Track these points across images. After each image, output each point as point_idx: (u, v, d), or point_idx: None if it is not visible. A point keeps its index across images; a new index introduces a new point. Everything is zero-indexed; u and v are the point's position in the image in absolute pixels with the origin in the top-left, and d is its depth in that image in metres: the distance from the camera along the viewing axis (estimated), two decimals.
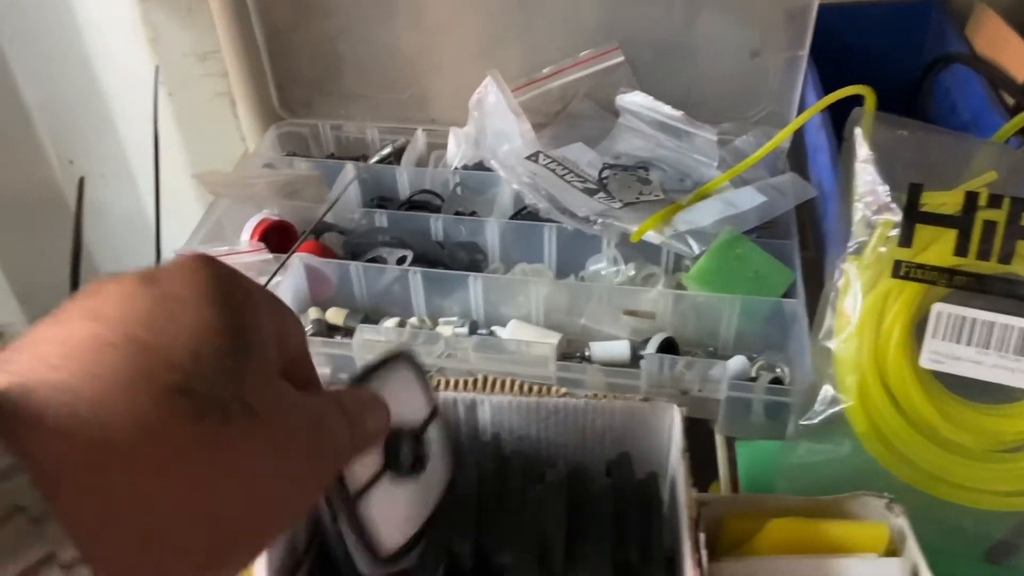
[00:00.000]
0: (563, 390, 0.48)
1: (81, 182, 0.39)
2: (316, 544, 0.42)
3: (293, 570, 0.41)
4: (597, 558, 0.42)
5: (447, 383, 0.49)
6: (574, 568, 0.43)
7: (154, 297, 0.22)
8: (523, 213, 0.77)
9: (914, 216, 0.52)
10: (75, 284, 0.38)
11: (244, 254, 0.69)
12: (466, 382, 0.49)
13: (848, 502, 0.45)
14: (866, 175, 0.55)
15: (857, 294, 0.53)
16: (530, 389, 0.48)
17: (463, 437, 0.51)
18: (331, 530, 0.33)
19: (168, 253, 0.72)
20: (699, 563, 0.41)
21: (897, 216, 0.53)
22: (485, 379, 0.49)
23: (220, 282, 0.24)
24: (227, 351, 0.22)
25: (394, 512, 0.33)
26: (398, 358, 0.35)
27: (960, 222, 0.52)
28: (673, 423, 0.48)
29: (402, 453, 0.34)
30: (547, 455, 0.50)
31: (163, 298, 0.22)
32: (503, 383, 0.49)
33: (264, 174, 0.75)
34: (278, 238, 0.74)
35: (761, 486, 0.58)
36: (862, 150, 0.55)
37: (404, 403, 0.34)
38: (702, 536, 0.42)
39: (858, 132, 0.55)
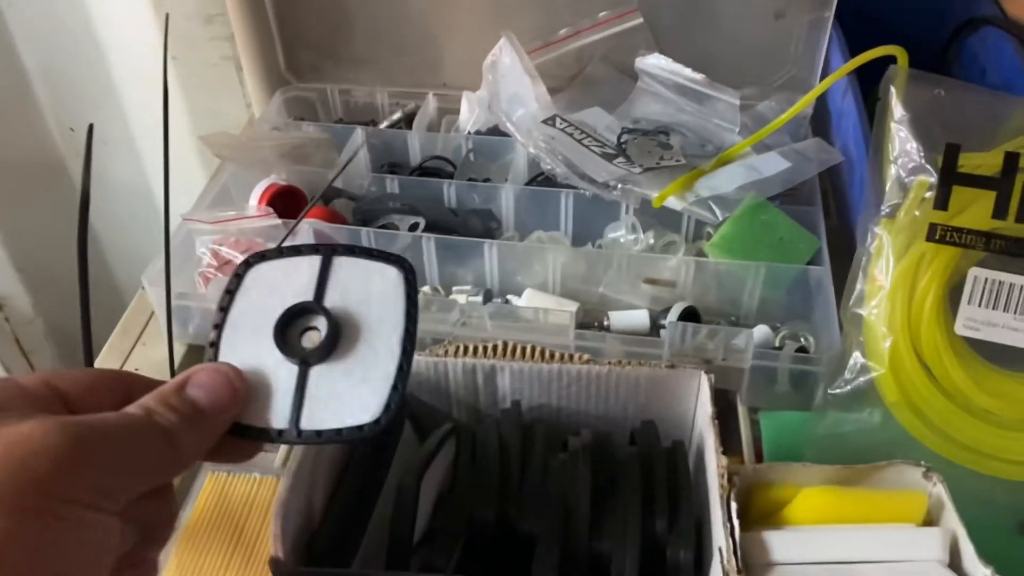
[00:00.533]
0: (586, 357, 0.46)
1: (90, 129, 0.36)
2: (337, 506, 0.40)
3: (311, 535, 0.40)
4: (624, 527, 0.41)
5: (465, 349, 0.47)
6: (600, 537, 0.41)
7: None
8: (538, 179, 0.75)
9: (951, 178, 0.50)
10: (83, 246, 0.36)
11: (252, 219, 0.67)
12: (485, 348, 0.47)
13: (883, 471, 0.44)
14: (900, 136, 0.53)
15: (890, 258, 0.52)
16: (551, 356, 0.47)
17: (482, 404, 0.49)
18: None
19: (174, 219, 0.70)
20: (732, 533, 0.39)
21: (932, 178, 0.51)
22: (505, 345, 0.47)
23: None
24: None
25: (349, 391, 0.31)
26: (247, 264, 0.33)
27: (999, 184, 0.50)
28: (700, 390, 0.46)
29: (303, 344, 0.32)
30: (568, 423, 0.49)
31: None
32: (523, 349, 0.47)
33: (272, 137, 0.73)
34: (286, 203, 0.72)
35: (786, 457, 0.57)
36: (897, 110, 0.53)
37: (281, 291, 0.32)
38: (734, 505, 0.40)
39: (893, 91, 0.53)
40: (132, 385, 0.31)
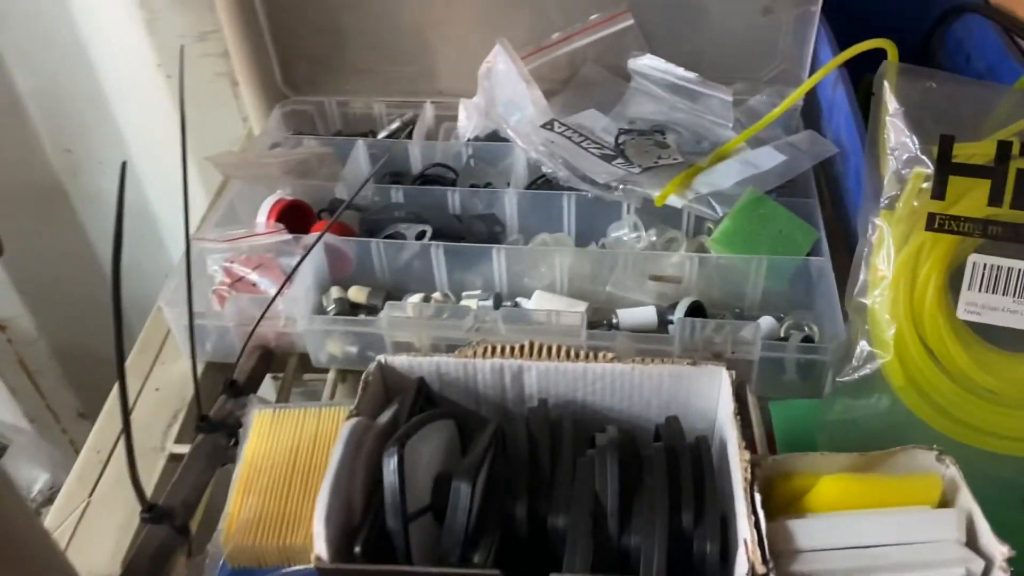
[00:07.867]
0: (610, 355, 0.48)
1: (123, 167, 0.38)
2: (376, 505, 0.42)
3: (352, 535, 0.41)
4: (652, 521, 0.42)
5: (492, 350, 0.49)
6: (629, 531, 0.43)
7: None
8: (539, 182, 0.76)
9: (947, 168, 0.52)
10: (116, 274, 0.37)
11: (263, 235, 0.68)
12: (512, 348, 0.49)
13: (897, 456, 0.45)
14: (896, 128, 0.54)
15: (890, 249, 0.53)
16: (576, 355, 0.48)
17: (509, 403, 0.50)
18: None
19: (179, 242, 0.71)
20: (756, 524, 0.41)
21: (929, 168, 0.52)
22: (531, 345, 0.49)
23: None
24: None
25: None
26: None
27: (993, 172, 0.51)
28: (721, 386, 0.48)
29: None
30: (594, 420, 0.50)
31: None
32: (549, 349, 0.49)
33: (276, 154, 0.74)
34: (293, 218, 0.73)
35: (798, 444, 0.58)
36: (891, 103, 0.55)
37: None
38: (758, 497, 0.42)
39: (886, 86, 0.55)
40: None
